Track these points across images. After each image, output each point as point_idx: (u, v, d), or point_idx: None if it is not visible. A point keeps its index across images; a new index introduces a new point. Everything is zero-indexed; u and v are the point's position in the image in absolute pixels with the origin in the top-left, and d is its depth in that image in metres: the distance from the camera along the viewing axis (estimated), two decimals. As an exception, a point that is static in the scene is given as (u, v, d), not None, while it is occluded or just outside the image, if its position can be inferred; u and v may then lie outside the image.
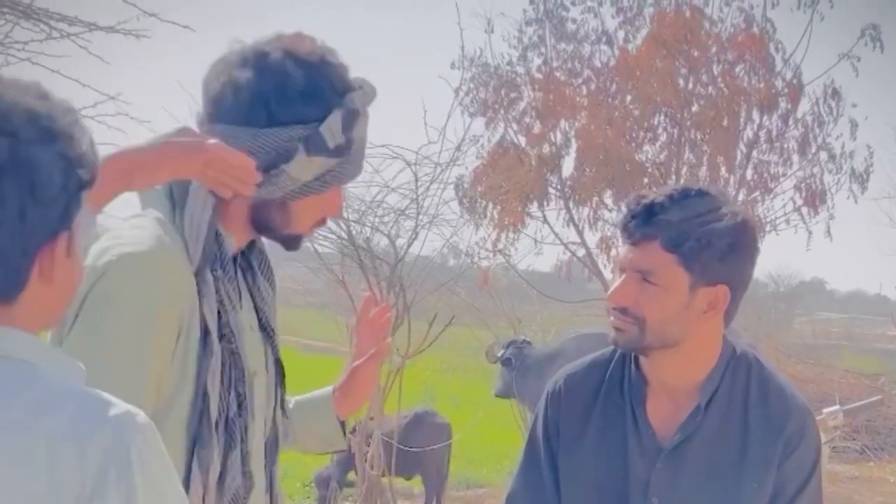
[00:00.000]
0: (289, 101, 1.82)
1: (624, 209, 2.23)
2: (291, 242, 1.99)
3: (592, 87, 13.09)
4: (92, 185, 1.33)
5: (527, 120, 12.97)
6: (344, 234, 8.08)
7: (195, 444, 1.80)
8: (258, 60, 1.84)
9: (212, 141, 1.78)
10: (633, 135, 12.94)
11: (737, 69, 12.73)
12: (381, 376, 8.30)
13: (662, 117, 12.95)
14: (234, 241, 1.93)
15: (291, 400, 2.24)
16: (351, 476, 9.37)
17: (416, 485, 10.69)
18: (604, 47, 13.08)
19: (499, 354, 9.40)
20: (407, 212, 8.25)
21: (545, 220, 13.01)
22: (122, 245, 1.74)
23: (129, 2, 5.93)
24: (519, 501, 2.36)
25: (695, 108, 12.77)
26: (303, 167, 1.84)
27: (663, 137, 13.06)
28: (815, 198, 12.62)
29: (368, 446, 8.50)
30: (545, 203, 12.93)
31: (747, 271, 2.22)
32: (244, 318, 1.93)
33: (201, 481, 1.79)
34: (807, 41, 12.47)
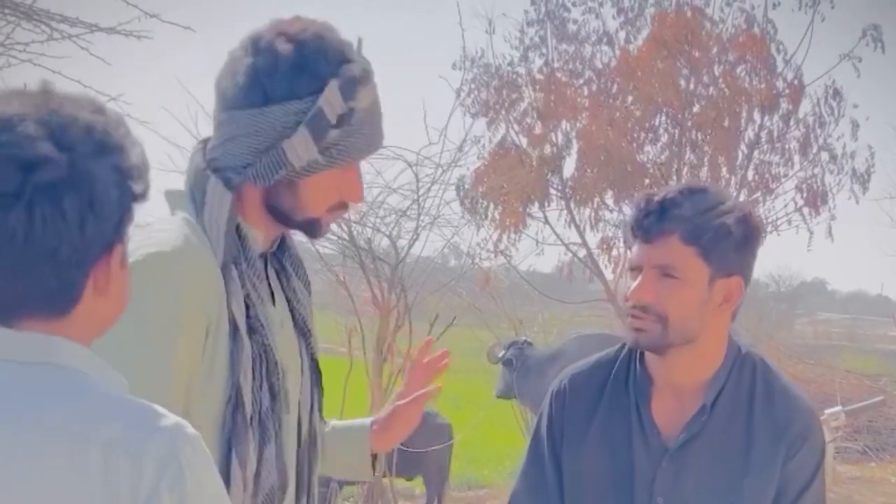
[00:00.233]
0: (280, 76, 1.81)
1: (634, 209, 2.23)
2: (310, 228, 1.92)
3: (594, 87, 13.10)
4: (144, 198, 1.34)
5: (528, 120, 12.99)
6: (345, 235, 8.08)
7: (230, 440, 1.79)
8: (253, 44, 1.85)
9: None
10: (635, 135, 12.94)
11: (738, 70, 12.73)
12: (383, 377, 8.30)
13: (663, 118, 12.96)
14: (260, 237, 1.91)
15: (329, 423, 2.23)
16: (352, 477, 9.35)
17: (418, 485, 10.69)
18: (605, 48, 13.11)
19: (500, 355, 9.40)
20: (408, 213, 8.26)
21: (546, 221, 13.03)
22: (147, 246, 1.74)
23: (131, 3, 5.93)
24: (522, 500, 2.36)
25: (696, 109, 12.78)
26: (303, 142, 1.81)
27: (664, 138, 13.07)
28: (816, 198, 12.62)
29: (370, 447, 8.48)
30: (546, 204, 12.94)
31: (754, 263, 2.26)
32: (274, 314, 1.91)
33: (241, 477, 1.79)
34: (808, 42, 12.50)
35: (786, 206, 12.89)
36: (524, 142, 13.01)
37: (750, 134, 12.90)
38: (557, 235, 13.08)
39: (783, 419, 2.21)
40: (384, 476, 8.86)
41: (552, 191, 12.95)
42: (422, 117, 8.27)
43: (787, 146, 12.88)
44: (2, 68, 6.02)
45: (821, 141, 12.72)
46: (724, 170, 12.72)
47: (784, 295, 31.24)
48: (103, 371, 1.34)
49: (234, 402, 1.80)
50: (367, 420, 2.24)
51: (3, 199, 1.24)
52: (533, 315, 13.27)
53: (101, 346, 1.55)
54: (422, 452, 9.23)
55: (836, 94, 12.58)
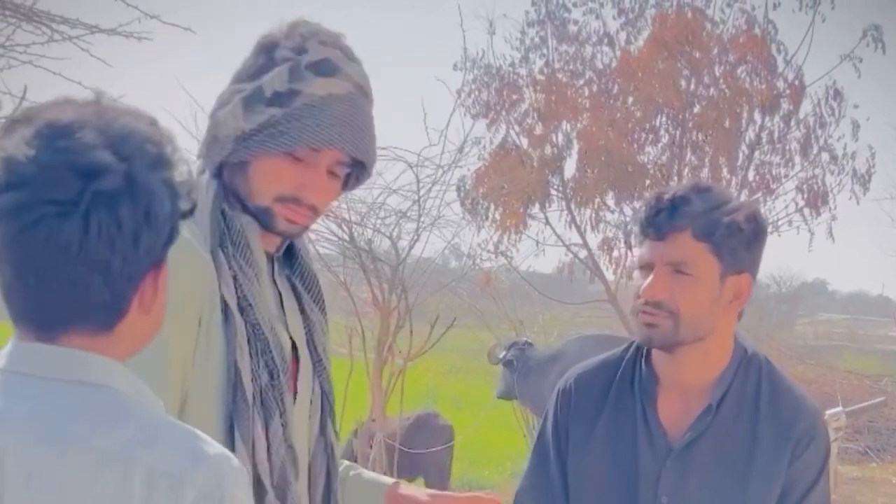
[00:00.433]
0: (245, 62, 1.88)
1: (644, 207, 2.24)
2: (262, 217, 1.89)
3: (594, 88, 13.11)
4: (190, 215, 1.33)
5: (528, 121, 12.99)
6: (346, 236, 8.08)
7: (232, 419, 1.79)
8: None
9: None
10: (635, 136, 12.95)
11: (738, 70, 12.74)
12: (384, 378, 8.30)
13: (664, 118, 12.96)
14: (255, 229, 1.90)
15: (355, 466, 2.23)
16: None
17: (419, 487, 10.68)
18: (605, 49, 13.12)
19: (500, 356, 9.40)
20: (408, 214, 8.26)
21: (547, 222, 13.04)
22: None
23: (131, 4, 5.92)
24: (527, 499, 2.37)
25: (696, 110, 12.78)
26: (233, 113, 1.82)
27: (665, 139, 13.07)
28: (816, 199, 12.64)
29: (370, 448, 8.50)
30: (547, 204, 12.94)
31: (760, 261, 2.27)
32: (264, 292, 1.90)
33: (248, 458, 1.78)
34: (808, 42, 12.51)
35: (786, 206, 12.92)
36: (525, 142, 13.02)
37: (751, 134, 12.91)
38: (558, 236, 13.10)
39: (788, 419, 2.21)
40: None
41: (553, 191, 12.96)
42: (422, 118, 8.27)
43: (787, 147, 12.90)
44: (2, 70, 6.03)
45: (821, 141, 12.73)
46: (724, 170, 12.73)
47: (785, 295, 31.23)
48: (141, 391, 1.32)
49: (234, 381, 1.80)
50: (389, 482, 2.22)
51: (61, 207, 1.21)
52: (534, 316, 13.27)
53: None
54: (423, 453, 9.23)
55: (837, 94, 12.59)
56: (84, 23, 5.98)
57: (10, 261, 1.24)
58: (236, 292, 1.83)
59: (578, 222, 12.90)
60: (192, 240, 1.79)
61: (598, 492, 2.27)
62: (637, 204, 12.26)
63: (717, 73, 12.78)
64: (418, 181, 8.13)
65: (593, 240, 12.99)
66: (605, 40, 13.09)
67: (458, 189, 11.88)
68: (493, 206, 12.52)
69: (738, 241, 2.18)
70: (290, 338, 1.98)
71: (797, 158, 12.87)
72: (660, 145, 13.12)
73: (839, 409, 9.26)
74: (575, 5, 13.06)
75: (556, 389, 2.39)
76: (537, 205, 12.87)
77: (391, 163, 7.91)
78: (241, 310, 1.83)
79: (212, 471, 1.24)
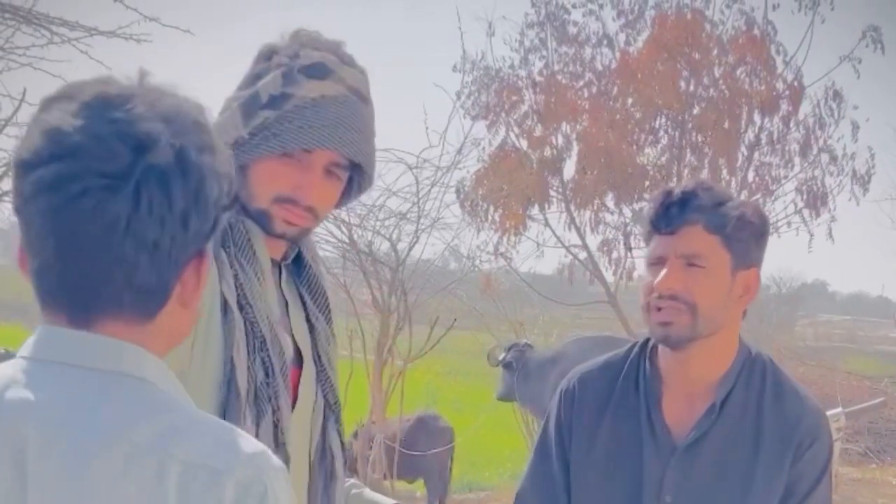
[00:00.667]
0: (249, 66, 1.91)
1: (653, 203, 2.24)
2: (261, 220, 1.90)
3: (594, 89, 13.10)
4: (230, 208, 1.28)
5: (528, 123, 12.98)
6: (345, 238, 8.09)
7: (224, 414, 1.80)
8: None
9: None
10: (635, 137, 12.94)
11: (738, 71, 12.73)
12: (384, 380, 8.31)
13: (664, 120, 12.96)
14: (259, 233, 1.91)
15: (358, 485, 2.23)
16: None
17: (419, 488, 10.69)
18: (605, 50, 13.11)
19: (500, 358, 9.40)
20: (408, 215, 8.27)
21: (546, 223, 13.02)
22: None
23: (130, 7, 5.94)
24: (528, 499, 2.38)
25: (696, 111, 12.77)
26: (233, 119, 1.85)
27: (665, 140, 13.06)
28: (816, 200, 12.63)
29: (370, 450, 8.50)
30: (546, 206, 12.93)
31: (763, 258, 2.29)
32: (264, 293, 1.92)
33: None
34: (808, 43, 12.50)
35: (786, 207, 12.91)
36: (524, 144, 13.01)
37: (750, 136, 12.91)
38: (558, 238, 13.08)
39: (792, 420, 2.22)
40: (385, 479, 8.87)
41: (552, 193, 12.94)
42: (422, 120, 8.29)
43: (787, 148, 12.89)
44: (2, 72, 6.03)
45: (821, 142, 12.72)
46: (724, 171, 12.72)
47: (785, 297, 31.23)
48: (175, 385, 1.27)
49: (229, 376, 1.81)
50: (391, 503, 2.22)
51: (111, 180, 1.14)
52: (533, 317, 13.27)
53: None
54: (423, 455, 9.23)
55: (836, 95, 12.59)
56: (83, 25, 5.99)
57: (51, 236, 1.17)
58: (236, 291, 1.85)
59: (578, 224, 12.90)
60: None
61: (602, 491, 2.27)
62: (637, 205, 12.26)
63: (717, 75, 12.78)
64: (418, 183, 8.15)
65: (593, 241, 12.98)
66: (605, 42, 13.08)
67: (458, 191, 11.90)
68: (492, 208, 12.51)
69: (748, 234, 2.20)
70: (296, 344, 1.99)
71: (797, 159, 12.87)
72: (659, 146, 13.12)
73: (839, 409, 9.26)
74: (574, 7, 13.06)
75: (558, 389, 2.39)
76: (537, 206, 12.86)
77: (391, 165, 7.93)
78: (240, 308, 1.85)
79: (253, 464, 1.19)
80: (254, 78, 1.89)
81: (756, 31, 12.54)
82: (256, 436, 1.82)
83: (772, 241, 2.41)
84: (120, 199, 1.14)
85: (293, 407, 1.94)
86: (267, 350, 1.87)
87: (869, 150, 12.82)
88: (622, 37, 13.08)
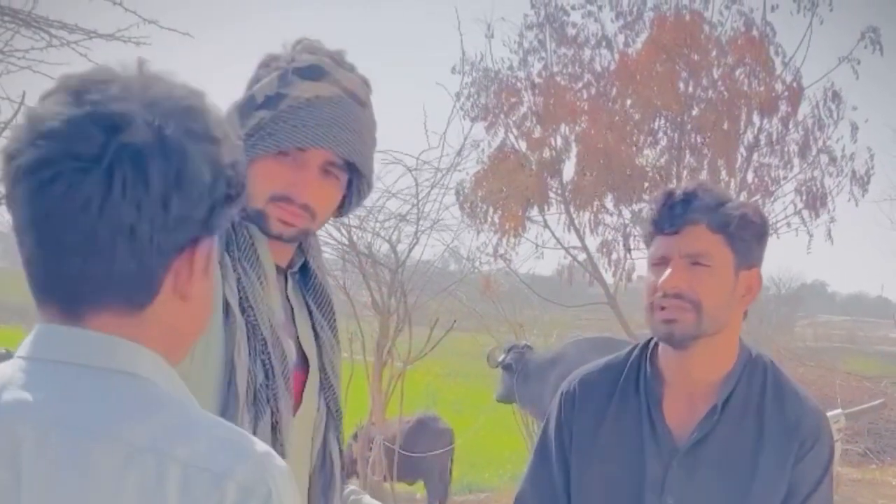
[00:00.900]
0: (253, 75, 1.94)
1: (655, 204, 2.25)
2: (257, 220, 1.91)
3: (593, 91, 13.09)
4: (236, 202, 1.23)
5: (527, 124, 12.98)
6: (345, 240, 8.09)
7: (222, 414, 1.81)
8: None
9: None
10: (634, 139, 12.94)
11: (737, 72, 12.73)
12: (383, 381, 8.30)
13: (663, 121, 12.95)
14: (264, 239, 1.93)
15: (357, 492, 2.24)
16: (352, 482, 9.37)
17: (419, 490, 10.69)
18: (604, 51, 13.10)
19: (500, 359, 9.41)
20: (408, 217, 8.27)
21: (546, 225, 13.02)
22: None
23: (129, 9, 5.93)
24: (528, 500, 2.38)
25: (695, 112, 12.77)
26: (230, 122, 1.84)
27: (664, 141, 13.06)
28: (815, 200, 12.63)
29: (370, 451, 8.50)
30: (546, 207, 12.92)
31: (764, 257, 2.31)
32: (266, 296, 1.93)
33: None
34: (806, 44, 12.50)
35: (785, 208, 12.90)
36: (523, 146, 13.01)
37: (749, 137, 12.91)
38: (557, 239, 13.08)
39: (793, 420, 2.23)
40: (385, 481, 8.86)
41: (552, 194, 12.94)
42: (421, 122, 8.29)
43: (786, 149, 12.88)
44: (1, 75, 6.03)
45: (820, 143, 12.72)
46: (723, 173, 12.72)
47: (784, 297, 31.25)
48: (174, 382, 1.23)
49: (228, 377, 1.82)
50: None
51: (82, 162, 1.11)
52: (533, 319, 13.29)
53: None
54: (423, 457, 9.24)
55: (835, 96, 12.59)
56: (82, 28, 5.98)
57: (32, 224, 1.15)
58: (238, 294, 1.86)
59: (577, 225, 12.89)
60: None
61: (604, 493, 2.28)
62: (636, 207, 12.27)
63: (716, 76, 12.78)
64: (417, 184, 8.15)
65: (592, 242, 12.98)
66: (604, 43, 13.08)
67: (457, 192, 11.89)
68: (491, 210, 12.51)
69: (751, 233, 2.22)
70: (302, 350, 2.01)
71: (796, 160, 12.87)
72: (658, 148, 13.12)
73: (838, 410, 9.27)
74: (573, 8, 13.06)
75: (559, 391, 2.40)
76: (536, 208, 12.86)
77: (390, 166, 7.92)
78: (242, 311, 1.86)
79: (256, 467, 1.15)
80: (253, 83, 1.92)
81: (755, 33, 12.54)
82: (254, 435, 1.84)
83: (771, 241, 2.42)
84: (92, 180, 1.11)
85: (296, 411, 1.95)
86: (268, 353, 1.88)
87: (868, 150, 12.83)
88: (621, 38, 13.08)
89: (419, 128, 8.22)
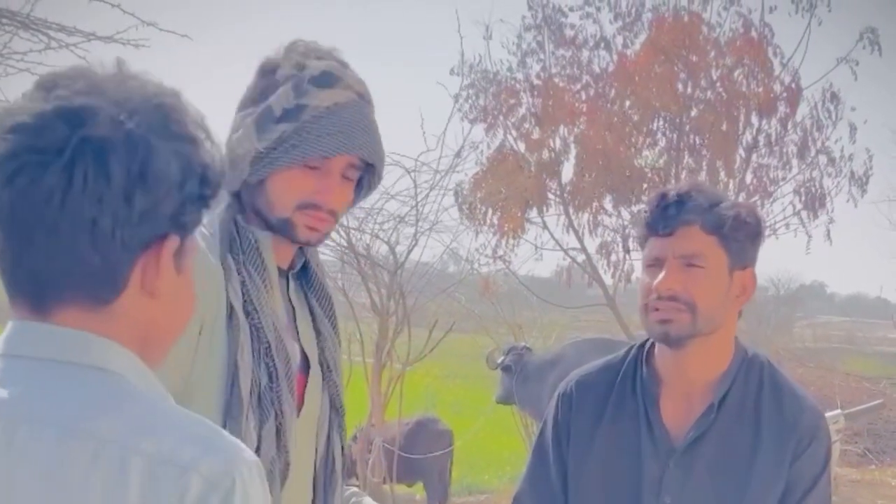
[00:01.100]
0: (250, 85, 1.95)
1: (649, 205, 2.26)
2: (284, 228, 1.95)
3: (591, 92, 13.09)
4: (210, 200, 1.23)
5: (526, 126, 12.97)
6: (344, 242, 8.09)
7: (225, 416, 1.83)
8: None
9: None
10: (633, 140, 12.94)
11: (735, 73, 12.73)
12: (383, 383, 8.30)
13: (661, 122, 12.95)
14: (268, 237, 1.95)
15: (359, 493, 2.26)
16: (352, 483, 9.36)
17: (419, 491, 10.69)
18: (602, 53, 13.09)
19: (499, 361, 9.41)
20: (406, 219, 8.27)
21: (545, 226, 13.02)
22: None
23: (128, 12, 5.93)
24: (527, 501, 2.39)
25: (694, 113, 12.77)
26: (247, 134, 1.89)
27: (662, 142, 13.06)
28: (814, 201, 12.63)
29: (370, 453, 8.50)
30: (545, 209, 12.92)
31: (758, 257, 2.31)
32: (270, 301, 1.95)
33: None
34: (805, 45, 12.49)
35: (784, 209, 12.89)
36: (522, 147, 13.00)
37: (748, 138, 12.90)
38: (556, 241, 13.07)
39: (791, 418, 2.23)
40: (384, 482, 8.86)
41: (550, 196, 12.94)
42: (420, 123, 8.29)
43: (784, 150, 12.88)
44: (-1, 77, 6.03)
45: (819, 144, 12.72)
46: (722, 174, 12.72)
47: (783, 298, 31.23)
48: (147, 379, 1.22)
49: (231, 379, 1.84)
50: None
51: (44, 157, 1.12)
52: (532, 320, 13.29)
53: None
54: (422, 458, 9.23)
55: (834, 97, 12.59)
56: (81, 30, 5.99)
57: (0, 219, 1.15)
58: (243, 297, 1.88)
59: (576, 226, 12.88)
60: (204, 249, 1.86)
61: (602, 493, 2.29)
62: (635, 208, 12.27)
63: (714, 77, 12.78)
64: (416, 186, 8.15)
65: (591, 244, 12.98)
66: (602, 44, 13.08)
67: (456, 194, 11.88)
68: (490, 211, 12.51)
69: (745, 234, 2.22)
70: (303, 351, 2.03)
71: (794, 161, 12.87)
72: (657, 149, 13.11)
73: (837, 411, 9.28)
74: (571, 10, 13.05)
75: (556, 392, 2.41)
76: (535, 209, 12.86)
77: (389, 168, 7.91)
78: (247, 314, 1.88)
79: (221, 460, 1.15)
80: (260, 94, 1.93)
81: (753, 34, 12.54)
82: (259, 439, 1.85)
83: (770, 242, 2.43)
84: (53, 173, 1.12)
85: (299, 412, 1.96)
86: (272, 356, 1.90)
87: (867, 151, 12.83)
88: (619, 39, 13.08)
89: (418, 130, 8.22)
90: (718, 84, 12.72)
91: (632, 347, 2.39)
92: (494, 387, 9.91)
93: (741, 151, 12.89)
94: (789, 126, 12.78)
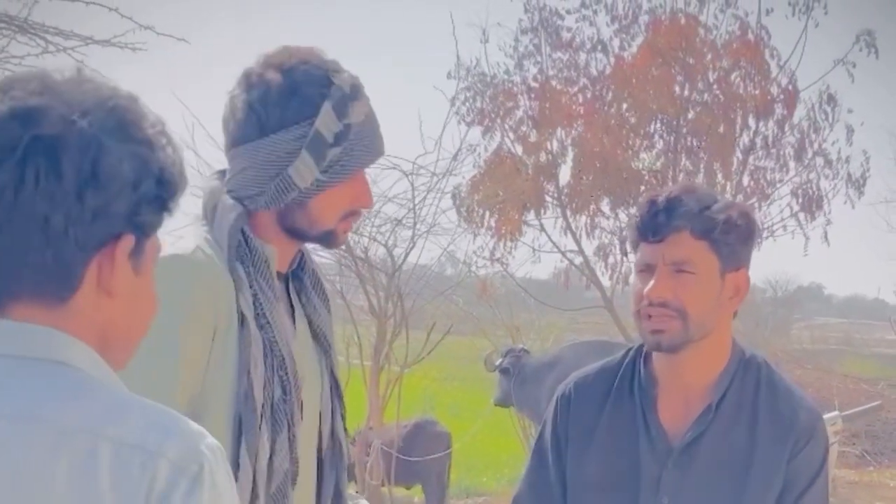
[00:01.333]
0: (273, 105, 1.89)
1: (639, 210, 2.27)
2: (326, 240, 2.02)
3: (588, 95, 13.10)
4: (169, 207, 1.24)
5: (523, 129, 12.99)
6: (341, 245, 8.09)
7: (241, 429, 1.84)
8: (245, 80, 1.93)
9: None
10: (630, 142, 12.96)
11: (732, 76, 12.75)
12: (381, 385, 8.31)
13: (659, 124, 12.98)
14: (274, 252, 1.96)
15: (356, 497, 2.29)
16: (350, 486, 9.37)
17: (417, 494, 10.68)
18: (599, 55, 13.11)
19: (497, 363, 9.41)
20: (404, 221, 8.28)
21: (542, 229, 13.03)
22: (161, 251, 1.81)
23: (125, 16, 5.94)
24: (525, 502, 2.39)
25: (691, 115, 12.79)
26: (306, 165, 1.90)
27: (660, 145, 13.09)
28: (811, 203, 12.65)
29: (368, 456, 8.50)
30: (542, 211, 12.94)
31: (752, 256, 2.31)
32: (283, 313, 1.97)
33: (250, 465, 1.84)
34: (802, 47, 12.52)
35: (781, 211, 12.92)
36: (519, 150, 13.01)
37: (745, 140, 12.93)
38: (554, 243, 13.09)
39: (788, 417, 2.24)
40: (383, 485, 8.86)
41: (548, 198, 12.96)
42: (417, 127, 8.30)
43: (782, 152, 12.91)
44: (-3, 81, 6.03)
45: (816, 146, 12.75)
46: (719, 176, 12.75)
47: (781, 300, 31.20)
48: (106, 372, 1.22)
49: (245, 392, 1.85)
50: None
51: None
52: (530, 322, 13.29)
53: None
54: (421, 461, 9.23)
55: (831, 99, 12.61)
56: (78, 34, 5.99)
57: None
58: (255, 309, 1.90)
59: (574, 229, 12.91)
60: (213, 256, 1.88)
61: (600, 495, 2.29)
62: (632, 210, 12.26)
63: (711, 79, 12.80)
64: (413, 189, 8.16)
65: (589, 246, 12.99)
66: (599, 47, 13.09)
67: (454, 196, 11.89)
68: (488, 214, 12.52)
69: (735, 237, 2.22)
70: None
71: (792, 163, 12.89)
72: (654, 151, 13.13)
73: (836, 413, 9.28)
74: (568, 12, 13.07)
75: (555, 395, 2.41)
76: (532, 212, 12.87)
77: (386, 171, 7.93)
78: (260, 326, 1.90)
79: (187, 444, 1.16)
80: (293, 116, 1.89)
81: (750, 36, 12.56)
82: (272, 450, 1.88)
83: (767, 244, 2.43)
84: (5, 171, 1.14)
85: (301, 416, 1.98)
86: (285, 368, 1.92)
87: (864, 153, 12.88)
88: (616, 42, 13.10)
89: (415, 133, 8.23)
90: (715, 86, 12.74)
91: (629, 350, 2.39)
92: (492, 389, 9.92)
93: (738, 154, 12.91)
94: (786, 128, 12.81)
